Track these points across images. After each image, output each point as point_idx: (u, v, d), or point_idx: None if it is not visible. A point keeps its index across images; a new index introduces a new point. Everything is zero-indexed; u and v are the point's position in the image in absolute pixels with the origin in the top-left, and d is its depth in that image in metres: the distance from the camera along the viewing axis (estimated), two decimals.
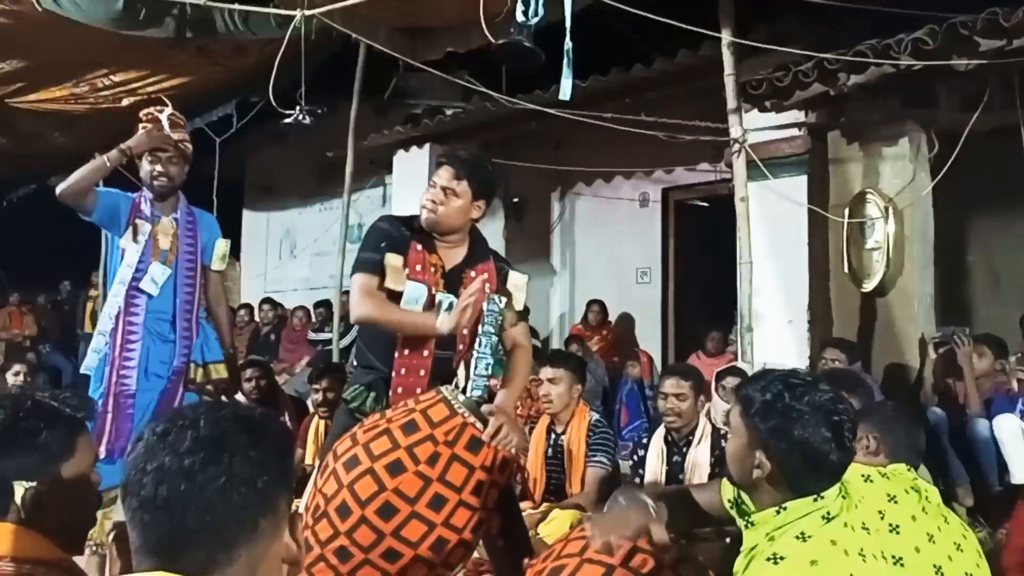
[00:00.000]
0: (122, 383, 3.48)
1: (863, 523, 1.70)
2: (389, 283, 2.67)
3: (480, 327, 2.61)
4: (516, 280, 2.89)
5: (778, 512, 1.64)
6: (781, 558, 1.58)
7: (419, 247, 2.75)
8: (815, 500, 1.62)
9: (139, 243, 3.57)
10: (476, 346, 2.56)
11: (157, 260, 3.58)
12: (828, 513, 1.62)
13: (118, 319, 3.52)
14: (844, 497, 1.67)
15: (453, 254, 2.80)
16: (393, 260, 2.69)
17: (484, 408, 2.39)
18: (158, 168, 3.68)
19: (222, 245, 3.84)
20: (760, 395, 1.67)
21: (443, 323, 2.57)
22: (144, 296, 3.55)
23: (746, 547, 1.67)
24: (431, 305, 2.70)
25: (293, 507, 1.13)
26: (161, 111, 3.71)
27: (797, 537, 1.60)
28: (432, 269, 2.75)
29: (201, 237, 3.76)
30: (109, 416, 3.43)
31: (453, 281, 2.77)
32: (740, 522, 1.74)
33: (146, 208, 3.66)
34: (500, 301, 2.66)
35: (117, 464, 3.16)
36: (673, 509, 2.02)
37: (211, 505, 1.02)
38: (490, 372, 2.52)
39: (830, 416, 1.63)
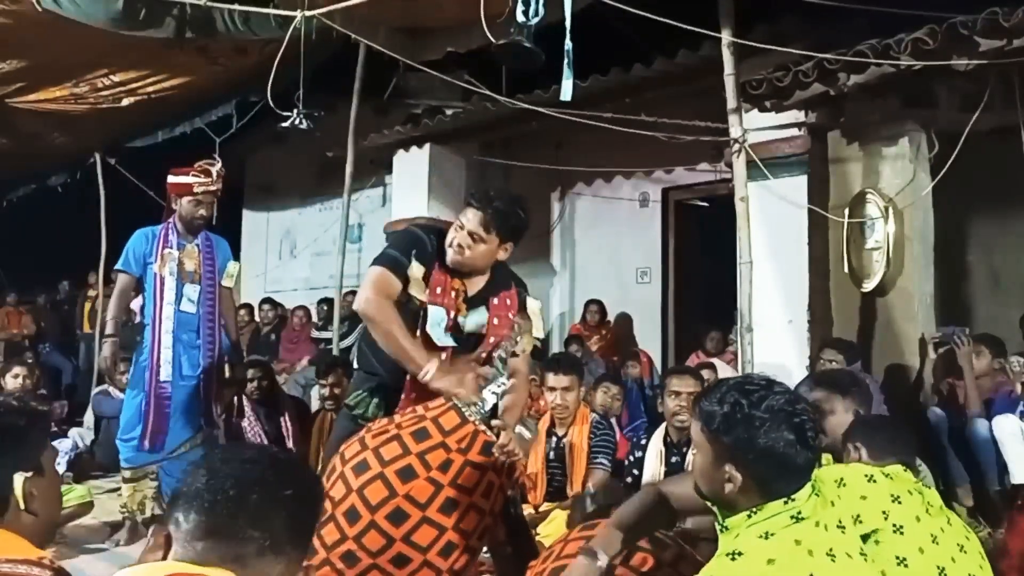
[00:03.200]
0: (160, 387, 4.18)
1: (839, 521, 1.70)
2: (412, 290, 2.66)
3: (495, 352, 2.60)
4: (532, 307, 2.90)
5: (750, 515, 1.63)
6: (739, 554, 1.58)
7: (442, 268, 2.73)
8: (786, 502, 1.62)
9: (172, 271, 4.22)
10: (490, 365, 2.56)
11: (187, 282, 4.26)
12: (799, 513, 1.61)
13: (154, 330, 4.21)
14: (817, 495, 1.67)
15: (476, 281, 2.80)
16: (415, 271, 2.67)
17: (494, 423, 2.39)
18: (201, 212, 4.31)
19: (233, 266, 4.51)
20: (719, 408, 1.65)
21: (431, 377, 2.50)
22: (174, 311, 4.22)
23: (718, 551, 1.67)
24: (453, 328, 2.70)
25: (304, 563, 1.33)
26: (213, 164, 4.33)
27: (760, 536, 1.60)
28: (453, 293, 2.72)
29: (217, 259, 4.42)
30: (151, 415, 4.16)
31: (476, 306, 2.76)
32: (717, 526, 1.73)
33: (173, 238, 4.30)
34: (521, 339, 2.67)
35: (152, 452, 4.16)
36: (645, 521, 2.03)
37: (236, 529, 1.21)
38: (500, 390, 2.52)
39: (790, 418, 1.62)
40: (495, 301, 2.79)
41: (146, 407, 4.18)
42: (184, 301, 4.25)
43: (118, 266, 4.32)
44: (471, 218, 2.70)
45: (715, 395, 1.69)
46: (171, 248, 4.26)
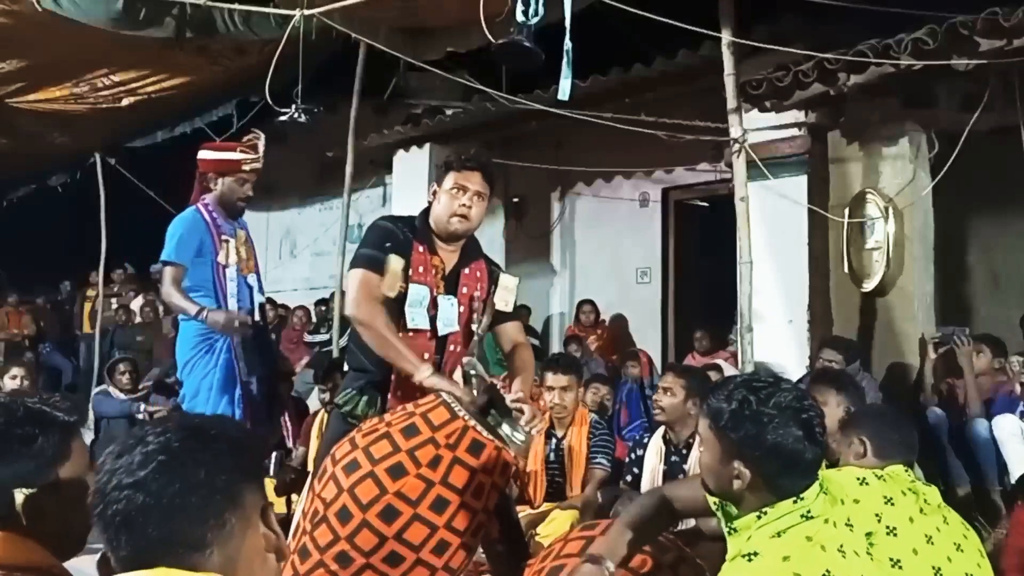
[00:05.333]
0: (246, 389, 3.77)
1: (848, 519, 1.70)
2: (384, 288, 2.66)
3: (464, 363, 2.63)
4: (507, 282, 2.91)
5: (759, 516, 1.64)
6: (755, 554, 1.59)
7: (421, 248, 2.75)
8: (795, 502, 1.63)
9: (234, 259, 3.82)
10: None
11: (248, 272, 3.89)
12: (808, 512, 1.62)
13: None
14: (825, 493, 1.68)
15: (453, 256, 2.82)
16: (395, 263, 2.69)
17: (511, 398, 2.40)
18: (247, 191, 3.90)
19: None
20: (727, 405, 1.66)
21: (426, 378, 2.50)
22: (242, 308, 3.79)
23: (729, 554, 1.67)
24: (433, 306, 2.71)
25: (265, 499, 1.15)
26: (258, 138, 3.92)
27: (773, 536, 1.61)
28: (433, 271, 2.76)
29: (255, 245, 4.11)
30: (249, 420, 3.73)
31: (451, 282, 2.79)
32: (724, 528, 1.73)
33: (222, 223, 3.85)
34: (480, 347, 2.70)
35: None
36: (649, 525, 2.02)
37: (171, 511, 1.06)
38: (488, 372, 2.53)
39: (798, 415, 1.63)
40: (466, 271, 2.83)
41: (244, 409, 3.73)
42: (255, 293, 3.92)
43: (170, 257, 3.71)
44: (474, 179, 2.74)
45: (723, 392, 1.70)
46: (226, 236, 3.83)
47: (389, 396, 2.68)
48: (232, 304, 3.74)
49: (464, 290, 2.80)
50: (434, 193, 2.80)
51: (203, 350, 3.74)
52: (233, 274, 3.78)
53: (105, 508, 1.07)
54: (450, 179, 2.75)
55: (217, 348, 3.74)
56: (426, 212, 2.84)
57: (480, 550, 2.61)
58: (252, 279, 3.92)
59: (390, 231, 2.75)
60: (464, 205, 2.72)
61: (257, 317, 3.98)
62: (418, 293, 2.70)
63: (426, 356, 2.69)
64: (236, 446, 1.13)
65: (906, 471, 2.22)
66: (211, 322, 3.61)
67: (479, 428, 2.27)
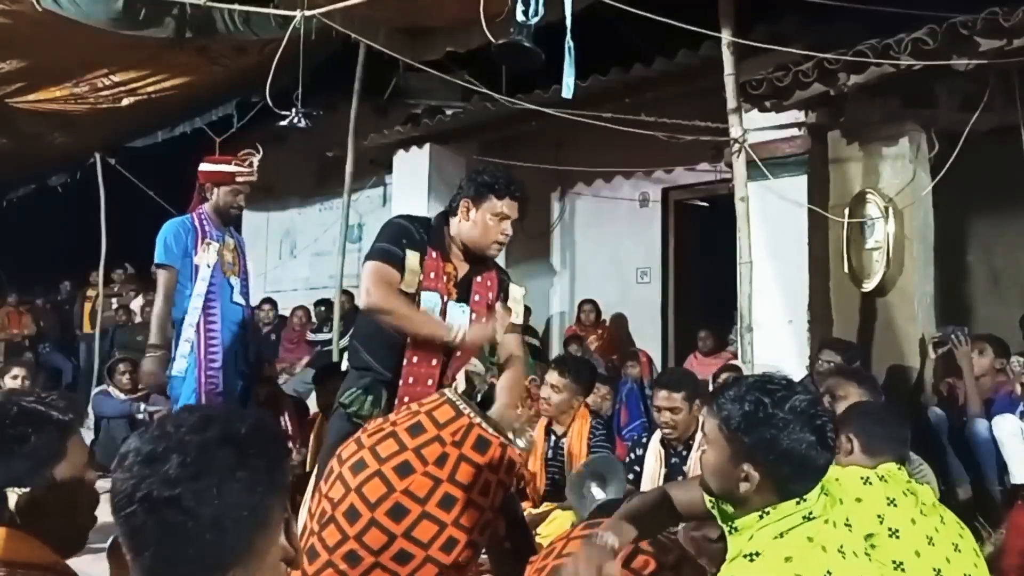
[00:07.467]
0: (210, 382, 3.90)
1: (847, 519, 1.70)
2: (404, 285, 2.68)
3: (468, 367, 2.65)
4: (515, 293, 2.95)
5: (761, 516, 1.63)
6: (757, 555, 1.59)
7: (434, 255, 2.77)
8: (797, 503, 1.62)
9: (212, 260, 3.97)
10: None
11: (231, 275, 4.05)
12: (810, 513, 1.62)
13: (199, 328, 3.91)
14: (826, 494, 1.68)
15: (465, 264, 2.85)
16: (411, 259, 2.71)
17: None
18: (240, 201, 4.14)
19: None
20: (739, 406, 1.64)
21: (458, 334, 2.60)
22: (218, 305, 3.97)
23: (730, 554, 1.67)
24: (443, 313, 2.74)
25: (287, 511, 1.12)
26: (254, 154, 4.15)
27: (775, 536, 1.60)
28: (445, 278, 2.77)
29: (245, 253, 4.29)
30: None
31: (463, 289, 2.82)
32: (724, 527, 1.73)
33: (210, 228, 4.04)
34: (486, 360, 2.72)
35: None
36: (650, 519, 2.01)
37: (202, 532, 1.02)
38: (490, 374, 2.54)
39: (812, 420, 1.61)
40: (478, 279, 2.86)
41: (197, 403, 3.84)
42: (235, 294, 4.06)
43: (161, 260, 3.92)
44: (515, 208, 2.80)
45: (734, 393, 1.67)
46: (211, 240, 4.01)
47: (396, 402, 2.68)
48: (199, 302, 3.90)
49: (476, 298, 2.83)
50: (466, 208, 2.78)
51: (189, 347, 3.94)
52: (206, 274, 3.94)
53: (132, 515, 1.03)
54: (495, 205, 2.76)
55: (198, 347, 3.93)
56: (443, 218, 2.85)
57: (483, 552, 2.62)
58: (235, 280, 4.07)
59: (407, 229, 2.78)
60: (505, 233, 2.78)
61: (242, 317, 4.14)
62: (429, 300, 2.72)
63: (433, 362, 2.70)
64: (270, 459, 1.09)
65: (899, 469, 2.22)
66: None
67: (484, 425, 2.28)
